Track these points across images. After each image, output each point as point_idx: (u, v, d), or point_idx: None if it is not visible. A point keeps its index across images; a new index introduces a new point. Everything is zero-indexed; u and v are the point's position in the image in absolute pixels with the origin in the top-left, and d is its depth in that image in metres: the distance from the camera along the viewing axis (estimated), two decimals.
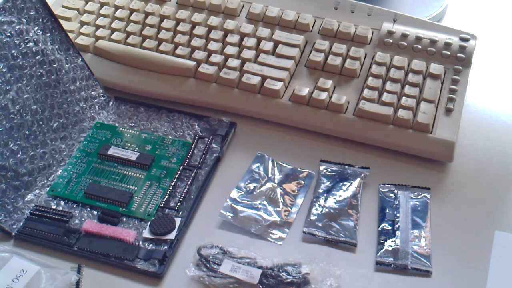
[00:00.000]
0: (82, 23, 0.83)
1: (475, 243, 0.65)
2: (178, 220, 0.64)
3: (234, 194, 0.68)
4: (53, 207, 0.66)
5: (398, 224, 0.66)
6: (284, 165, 0.72)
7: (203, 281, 0.60)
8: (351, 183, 0.69)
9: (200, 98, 0.77)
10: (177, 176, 0.68)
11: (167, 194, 0.67)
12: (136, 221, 0.65)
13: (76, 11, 0.84)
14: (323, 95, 0.75)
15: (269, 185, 0.69)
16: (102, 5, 0.85)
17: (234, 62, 0.78)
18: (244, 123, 0.76)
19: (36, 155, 0.67)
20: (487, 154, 0.75)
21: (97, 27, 0.82)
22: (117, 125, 0.75)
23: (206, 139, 0.73)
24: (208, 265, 0.60)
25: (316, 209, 0.67)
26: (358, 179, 0.70)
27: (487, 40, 0.88)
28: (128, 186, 0.68)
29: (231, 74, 0.77)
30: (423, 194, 0.69)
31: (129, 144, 0.72)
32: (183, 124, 0.75)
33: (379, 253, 0.63)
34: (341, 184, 0.69)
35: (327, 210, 0.67)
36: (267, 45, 0.80)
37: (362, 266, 0.63)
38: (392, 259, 0.63)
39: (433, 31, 0.81)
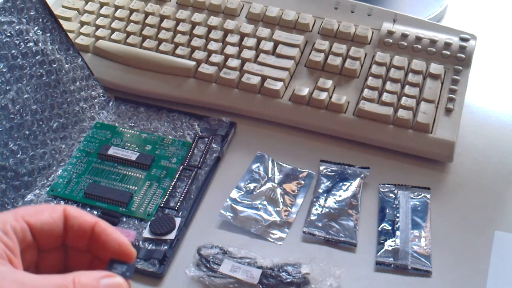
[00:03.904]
0: (82, 23, 0.83)
1: (475, 243, 0.65)
2: (178, 220, 0.64)
3: (234, 194, 0.68)
4: None
5: (398, 224, 0.66)
6: (284, 165, 0.72)
7: (203, 281, 0.60)
8: (351, 183, 0.69)
9: (200, 98, 0.77)
10: (177, 176, 0.68)
11: (167, 194, 0.67)
12: (136, 221, 0.65)
13: (76, 11, 0.84)
14: (323, 95, 0.75)
15: (269, 185, 0.69)
16: (102, 5, 0.85)
17: (234, 62, 0.78)
18: (244, 123, 0.76)
19: (36, 155, 0.67)
20: (487, 154, 0.75)
21: (97, 27, 0.82)
22: (117, 125, 0.75)
23: (206, 139, 0.73)
24: (208, 265, 0.60)
25: (316, 209, 0.67)
26: (358, 179, 0.70)
27: (487, 40, 0.88)
28: (128, 186, 0.68)
29: (231, 74, 0.77)
30: (423, 194, 0.69)
31: (129, 144, 0.72)
32: (183, 124, 0.75)
33: (379, 253, 0.63)
34: (341, 184, 0.69)
35: (327, 210, 0.67)
36: (267, 45, 0.80)
37: (362, 266, 0.63)
38: (392, 259, 0.63)
39: (433, 31, 0.81)
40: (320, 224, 0.65)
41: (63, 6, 0.84)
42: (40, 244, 0.40)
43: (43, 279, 0.36)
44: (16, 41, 0.67)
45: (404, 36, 0.80)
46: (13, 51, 0.66)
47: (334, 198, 0.68)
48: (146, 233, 0.63)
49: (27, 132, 0.67)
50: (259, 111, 0.76)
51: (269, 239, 0.65)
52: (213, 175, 0.70)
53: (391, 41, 0.80)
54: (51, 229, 0.40)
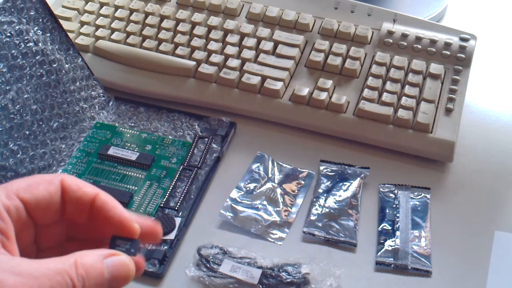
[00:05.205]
0: (82, 23, 0.83)
1: (475, 243, 0.65)
2: (178, 220, 0.64)
3: (234, 194, 0.68)
4: None
5: (398, 224, 0.66)
6: (284, 165, 0.72)
7: (203, 281, 0.60)
8: (351, 183, 0.69)
9: (200, 98, 0.77)
10: (177, 176, 0.68)
11: (167, 194, 0.67)
12: None
13: (76, 11, 0.84)
14: (323, 95, 0.75)
15: (269, 185, 0.69)
16: (102, 5, 0.85)
17: (234, 62, 0.78)
18: (244, 123, 0.76)
19: (36, 155, 0.67)
20: (487, 154, 0.75)
21: (97, 27, 0.82)
22: (117, 125, 0.75)
23: (206, 139, 0.73)
24: (208, 265, 0.60)
25: (316, 209, 0.67)
26: (358, 179, 0.70)
27: (487, 40, 0.88)
28: (128, 186, 0.68)
29: (231, 74, 0.77)
30: (423, 194, 0.69)
31: (129, 144, 0.72)
32: (183, 124, 0.75)
33: (379, 253, 0.63)
34: (341, 184, 0.69)
35: (327, 210, 0.67)
36: (267, 45, 0.80)
37: (362, 266, 0.63)
38: (392, 259, 0.63)
39: (433, 31, 0.81)
40: (320, 224, 0.65)
41: (63, 6, 0.84)
42: (37, 221, 0.37)
43: (41, 265, 0.33)
44: (16, 41, 0.67)
45: (404, 36, 0.80)
46: (13, 51, 0.66)
47: (334, 198, 0.68)
48: None
49: (27, 132, 0.66)
50: (259, 111, 0.76)
51: (269, 239, 0.65)
52: (213, 175, 0.70)
53: (391, 41, 0.80)
54: (48, 205, 0.37)
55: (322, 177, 0.70)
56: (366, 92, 0.75)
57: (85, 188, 0.38)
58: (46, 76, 0.69)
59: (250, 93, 0.76)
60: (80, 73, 0.74)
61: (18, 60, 0.67)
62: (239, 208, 0.66)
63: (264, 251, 0.63)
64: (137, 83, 0.78)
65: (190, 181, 0.68)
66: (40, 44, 0.69)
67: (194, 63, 0.78)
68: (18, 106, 0.66)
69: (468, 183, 0.71)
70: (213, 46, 0.79)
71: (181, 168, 0.69)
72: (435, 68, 0.77)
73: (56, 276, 0.33)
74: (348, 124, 0.74)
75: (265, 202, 0.67)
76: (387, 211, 0.67)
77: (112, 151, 0.71)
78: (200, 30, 0.81)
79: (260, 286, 0.59)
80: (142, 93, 0.78)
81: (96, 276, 0.34)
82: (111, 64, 0.79)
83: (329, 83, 0.76)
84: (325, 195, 0.68)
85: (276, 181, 0.70)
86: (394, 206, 0.68)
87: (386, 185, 0.70)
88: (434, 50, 0.79)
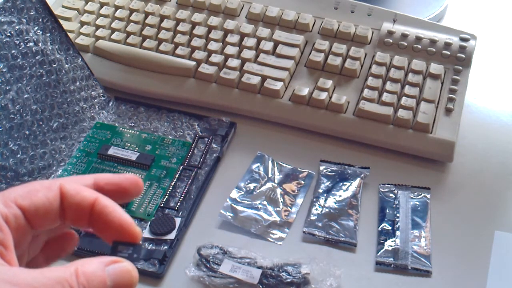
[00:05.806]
0: (82, 23, 0.83)
1: (475, 243, 0.65)
2: (178, 220, 0.64)
3: (234, 194, 0.68)
4: None
5: (398, 224, 0.66)
6: (284, 165, 0.72)
7: (203, 281, 0.60)
8: (351, 183, 0.69)
9: (200, 98, 0.77)
10: (177, 176, 0.68)
11: (167, 194, 0.67)
12: (136, 221, 0.65)
13: (76, 11, 0.84)
14: (323, 95, 0.75)
15: (269, 185, 0.69)
16: (102, 5, 0.85)
17: (234, 62, 0.78)
18: (244, 123, 0.76)
19: (36, 155, 0.67)
20: (487, 154, 0.75)
21: (97, 27, 0.82)
22: (117, 125, 0.75)
23: (206, 139, 0.73)
24: (208, 265, 0.60)
25: (316, 209, 0.67)
26: (358, 179, 0.70)
27: (487, 40, 0.88)
28: None
29: (231, 74, 0.77)
30: (423, 194, 0.69)
31: (129, 144, 0.72)
32: (183, 124, 0.75)
33: (379, 253, 0.63)
34: (341, 184, 0.69)
35: (327, 210, 0.67)
36: (267, 45, 0.80)
37: (362, 266, 0.63)
38: (392, 259, 0.63)
39: (433, 31, 0.81)
40: (320, 224, 0.65)
41: (63, 6, 0.84)
42: (35, 227, 0.36)
43: (41, 274, 0.32)
44: (16, 41, 0.67)
45: (404, 36, 0.80)
46: (13, 51, 0.66)
47: (334, 198, 0.68)
48: (146, 233, 0.63)
49: (27, 132, 0.66)
50: (259, 111, 0.76)
51: (269, 239, 0.65)
52: (213, 175, 0.70)
53: (391, 41, 0.80)
54: (47, 211, 0.36)
55: (322, 177, 0.70)
56: (366, 92, 0.75)
57: (84, 192, 0.37)
58: (46, 76, 0.69)
59: (250, 93, 0.76)
60: (80, 73, 0.74)
61: (18, 60, 0.67)
62: (239, 208, 0.66)
63: (264, 251, 0.63)
64: (137, 83, 0.78)
65: (190, 181, 0.68)
66: (40, 44, 0.69)
67: (194, 63, 0.78)
68: (18, 106, 0.66)
69: (468, 183, 0.71)
70: (213, 46, 0.79)
71: (181, 168, 0.69)
72: (435, 68, 0.77)
73: (56, 286, 0.32)
74: (348, 124, 0.74)
75: (265, 202, 0.67)
76: (387, 211, 0.67)
77: (112, 151, 0.71)
78: (200, 30, 0.81)
79: (260, 286, 0.59)
80: (142, 93, 0.78)
81: (98, 284, 0.33)
82: (111, 64, 0.79)
83: (329, 83, 0.76)
84: (325, 195, 0.68)
85: (276, 181, 0.70)
86: (394, 206, 0.68)
87: (386, 185, 0.70)
88: (434, 50, 0.79)
